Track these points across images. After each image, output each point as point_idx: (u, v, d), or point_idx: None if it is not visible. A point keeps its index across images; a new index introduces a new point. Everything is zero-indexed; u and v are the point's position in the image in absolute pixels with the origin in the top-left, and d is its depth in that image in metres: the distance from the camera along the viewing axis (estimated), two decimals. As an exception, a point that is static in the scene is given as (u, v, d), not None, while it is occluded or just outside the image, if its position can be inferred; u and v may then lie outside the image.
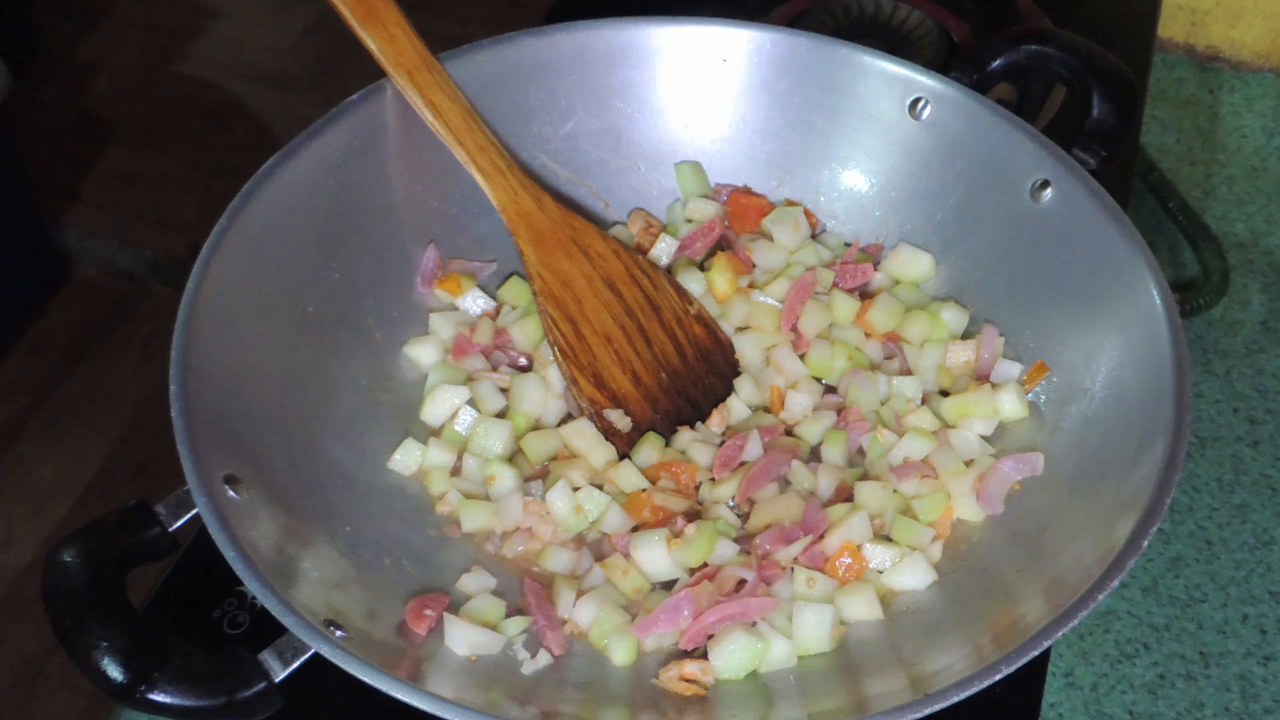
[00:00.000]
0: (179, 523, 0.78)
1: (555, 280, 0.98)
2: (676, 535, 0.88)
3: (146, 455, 2.40)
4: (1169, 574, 1.04)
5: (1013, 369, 0.97)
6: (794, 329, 1.00)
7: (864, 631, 0.85)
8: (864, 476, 0.93)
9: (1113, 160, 0.98)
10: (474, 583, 0.87)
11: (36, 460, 2.40)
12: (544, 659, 0.83)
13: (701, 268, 1.05)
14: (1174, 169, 1.37)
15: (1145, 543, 0.75)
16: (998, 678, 0.71)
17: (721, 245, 1.07)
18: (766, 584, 0.87)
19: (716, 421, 0.97)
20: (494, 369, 1.00)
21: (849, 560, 0.87)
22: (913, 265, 1.03)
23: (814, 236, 1.08)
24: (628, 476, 0.92)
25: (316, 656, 0.72)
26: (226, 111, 2.98)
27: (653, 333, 0.99)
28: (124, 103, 3.01)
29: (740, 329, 1.02)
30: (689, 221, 1.08)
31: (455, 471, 0.95)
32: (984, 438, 0.95)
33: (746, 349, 1.01)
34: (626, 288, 1.00)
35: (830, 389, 0.99)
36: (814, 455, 0.96)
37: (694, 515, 0.91)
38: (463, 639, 0.82)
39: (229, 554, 0.73)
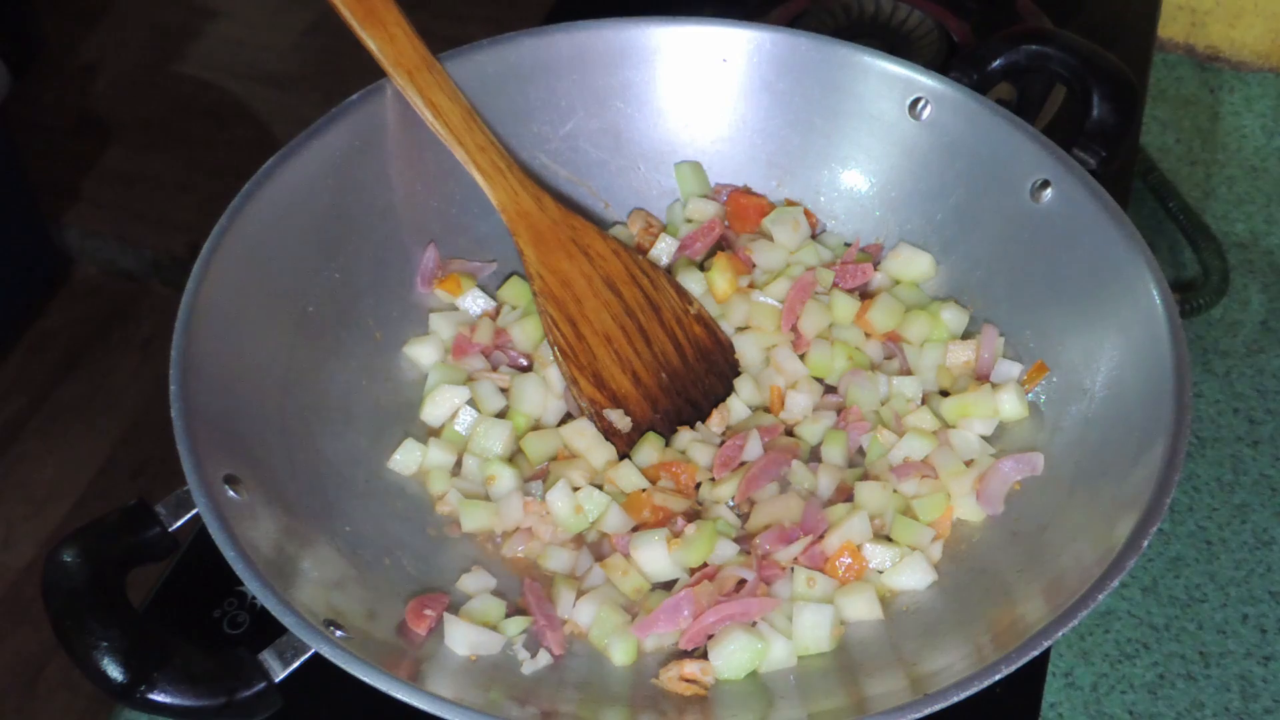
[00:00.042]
0: (179, 523, 0.78)
1: (555, 280, 0.98)
2: (676, 535, 0.88)
3: (146, 455, 2.40)
4: (1169, 574, 1.04)
5: (1013, 369, 0.97)
6: (794, 329, 1.00)
7: (864, 631, 0.85)
8: (864, 476, 0.93)
9: (1113, 160, 0.98)
10: (474, 583, 0.87)
11: (36, 460, 2.40)
12: (544, 659, 0.83)
13: (701, 268, 1.05)
14: (1174, 169, 1.37)
15: (1145, 543, 0.75)
16: (998, 678, 0.71)
17: (721, 245, 1.07)
18: (766, 584, 0.87)
19: (716, 421, 0.97)
20: (494, 369, 1.00)
21: (849, 560, 0.87)
22: (913, 265, 1.03)
23: (814, 236, 1.08)
24: (628, 476, 0.92)
25: (316, 656, 0.72)
26: (226, 111, 2.98)
27: (653, 333, 0.99)
28: (124, 103, 3.01)
29: (740, 329, 1.02)
30: (689, 221, 1.08)
31: (455, 471, 0.95)
32: (984, 438, 0.95)
33: (746, 349, 1.01)
34: (626, 288, 1.00)
35: (830, 389, 0.99)
36: (814, 455, 0.96)
37: (694, 515, 0.91)
38: (463, 639, 0.82)
39: (229, 554, 0.73)
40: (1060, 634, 0.72)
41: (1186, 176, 1.36)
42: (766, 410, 0.98)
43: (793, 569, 0.87)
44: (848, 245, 1.07)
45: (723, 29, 1.05)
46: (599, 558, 0.90)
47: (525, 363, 1.01)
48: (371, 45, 0.97)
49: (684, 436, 0.96)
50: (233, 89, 3.02)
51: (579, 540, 0.91)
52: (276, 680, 0.72)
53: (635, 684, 0.83)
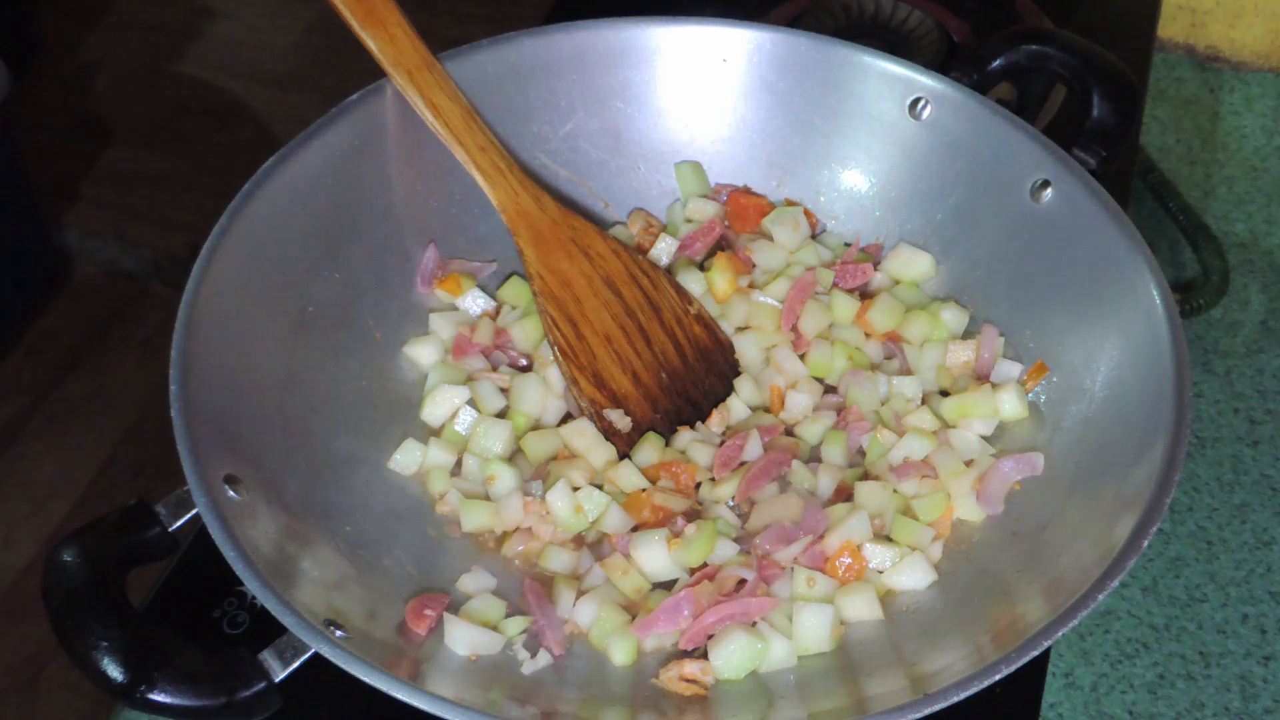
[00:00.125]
0: (179, 523, 0.78)
1: (555, 280, 0.98)
2: (676, 535, 0.88)
3: (146, 455, 2.40)
4: (1169, 574, 1.04)
5: (1013, 369, 0.97)
6: (794, 329, 1.00)
7: (864, 631, 0.85)
8: (864, 476, 0.93)
9: (1113, 160, 0.98)
10: (474, 583, 0.87)
11: (36, 460, 2.40)
12: (544, 659, 0.83)
13: (701, 268, 1.05)
14: (1174, 169, 1.37)
15: (1145, 543, 0.75)
16: (998, 678, 0.71)
17: (721, 245, 1.07)
18: (766, 584, 0.87)
19: (716, 421, 0.97)
20: (494, 369, 1.00)
21: (849, 560, 0.87)
22: (913, 265, 1.03)
23: (814, 236, 1.08)
24: (628, 476, 0.92)
25: (316, 656, 0.72)
26: (226, 111, 2.98)
27: (653, 333, 0.99)
28: (124, 103, 3.01)
29: (740, 329, 1.02)
30: (689, 221, 1.08)
31: (455, 471, 0.95)
32: (984, 438, 0.95)
33: (746, 349, 1.01)
34: (626, 288, 1.00)
35: (830, 389, 0.99)
36: (814, 455, 0.96)
37: (694, 515, 0.91)
38: (463, 639, 0.82)
39: (229, 554, 0.73)
40: (1060, 634, 0.72)
41: (1186, 176, 1.36)
42: (766, 410, 0.98)
43: (793, 569, 0.87)
44: (848, 245, 1.07)
45: (723, 29, 1.05)
46: (599, 558, 0.90)
47: (525, 363, 1.01)
48: (371, 45, 0.97)
49: (684, 436, 0.96)
50: (233, 89, 3.02)
51: (579, 540, 0.91)
52: (276, 680, 0.72)
53: (635, 684, 0.83)
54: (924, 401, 0.97)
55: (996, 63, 1.04)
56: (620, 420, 0.95)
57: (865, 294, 1.03)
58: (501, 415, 0.97)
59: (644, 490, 0.92)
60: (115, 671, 0.70)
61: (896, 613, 0.86)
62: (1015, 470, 0.90)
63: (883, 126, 1.04)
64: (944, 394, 0.98)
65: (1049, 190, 0.95)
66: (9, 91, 2.31)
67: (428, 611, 0.83)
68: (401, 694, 0.70)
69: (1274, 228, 1.32)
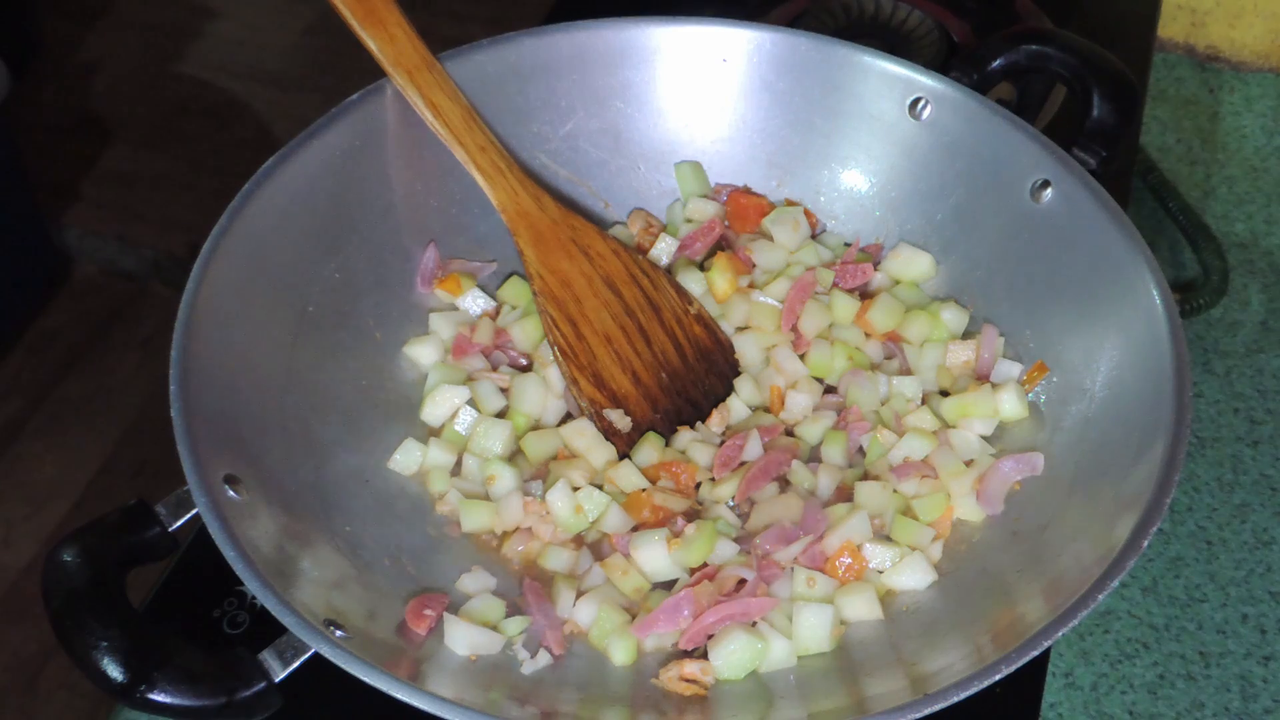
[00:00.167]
0: (179, 523, 0.78)
1: (555, 280, 0.98)
2: (676, 535, 0.88)
3: (146, 455, 2.40)
4: (1169, 574, 1.04)
5: (1013, 369, 0.97)
6: (794, 329, 1.00)
7: (864, 631, 0.85)
8: (864, 476, 0.93)
9: (1113, 160, 0.98)
10: (474, 583, 0.87)
11: (36, 460, 2.40)
12: (544, 659, 0.83)
13: (701, 268, 1.05)
14: (1174, 169, 1.37)
15: (1145, 543, 0.75)
16: (998, 678, 0.71)
17: (721, 245, 1.07)
18: (766, 584, 0.87)
19: (716, 421, 0.97)
20: (494, 369, 1.00)
21: (849, 560, 0.87)
22: (913, 265, 1.03)
23: (814, 236, 1.08)
24: (628, 476, 0.92)
25: (316, 656, 0.72)
26: (226, 111, 2.98)
27: (653, 333, 0.99)
28: (124, 103, 3.01)
29: (740, 329, 1.02)
30: (689, 221, 1.08)
31: (455, 471, 0.95)
32: (984, 438, 0.95)
33: (746, 349, 1.01)
34: (626, 288, 1.00)
35: (830, 389, 0.99)
36: (814, 455, 0.96)
37: (694, 515, 0.91)
38: (463, 639, 0.82)
39: (229, 554, 0.73)
40: (1060, 634, 0.72)
41: (1186, 176, 1.36)
42: (766, 410, 0.98)
43: (793, 569, 0.87)
44: (848, 245, 1.07)
45: (723, 29, 1.05)
46: (599, 558, 0.90)
47: (525, 363, 1.01)
48: (371, 45, 0.97)
49: (684, 436, 0.96)
50: (233, 89, 3.02)
51: (579, 540, 0.91)
52: (276, 680, 0.72)
53: (635, 684, 0.83)
54: (924, 401, 0.97)
55: (996, 63, 1.04)
56: (620, 420, 0.95)
57: (865, 294, 1.03)
58: (501, 415, 0.97)
59: (644, 490, 0.92)
60: (115, 671, 0.70)
61: (896, 613, 0.86)
62: (1015, 470, 0.90)
63: (883, 126, 1.04)
64: (944, 394, 0.98)
65: (1049, 190, 0.95)
66: (9, 91, 2.31)
67: (428, 611, 0.83)
68: (401, 694, 0.70)
69: (1274, 228, 1.32)
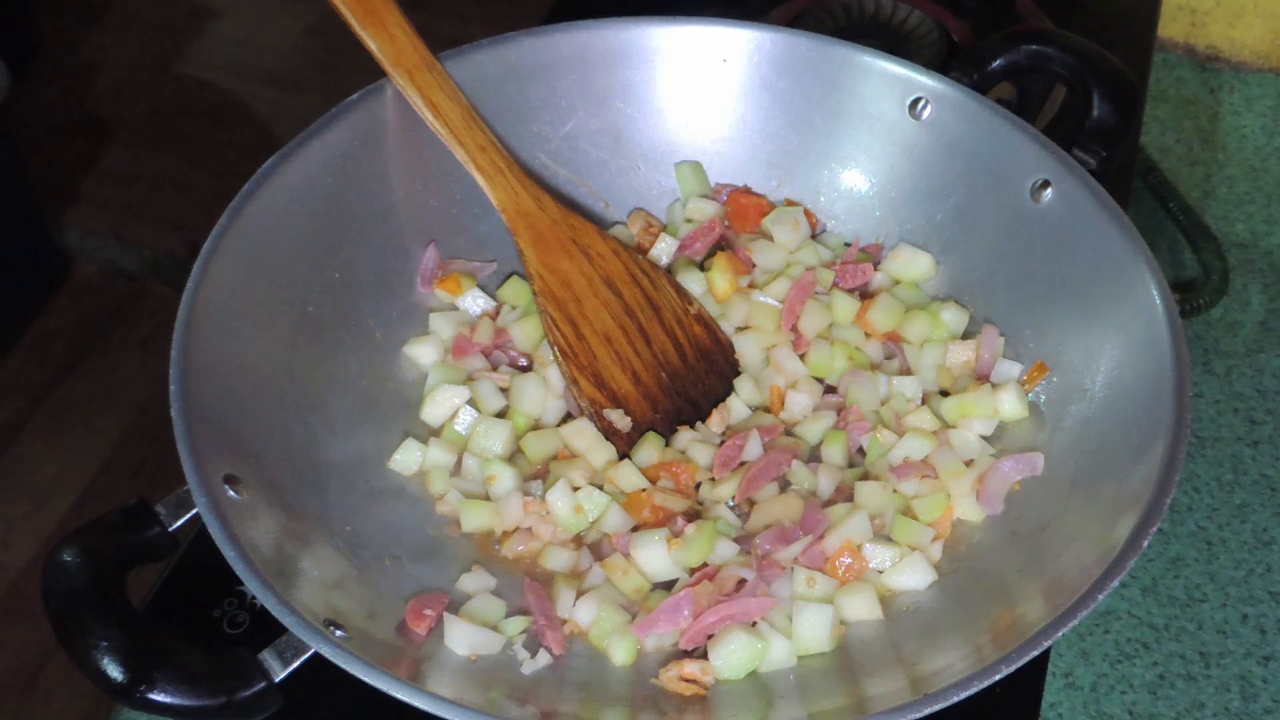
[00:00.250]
0: (179, 523, 0.78)
1: (555, 280, 0.98)
2: (676, 535, 0.88)
3: (146, 455, 2.40)
4: (1169, 574, 1.04)
5: (1013, 369, 0.97)
6: (794, 329, 1.00)
7: (864, 631, 0.85)
8: (864, 476, 0.93)
9: (1113, 160, 0.98)
10: (474, 583, 0.87)
11: (36, 460, 2.40)
12: (544, 659, 0.83)
13: (701, 268, 1.05)
14: (1174, 169, 1.37)
15: (1145, 543, 0.75)
16: (998, 678, 0.71)
17: (721, 245, 1.07)
18: (766, 584, 0.87)
19: (716, 421, 0.97)
20: (494, 369, 1.00)
21: (849, 560, 0.87)
22: (913, 265, 1.03)
23: (814, 236, 1.08)
24: (628, 476, 0.92)
25: (316, 656, 0.72)
26: (226, 111, 2.98)
27: (653, 333, 0.99)
28: (124, 103, 3.01)
29: (740, 329, 1.02)
30: (689, 221, 1.08)
31: (455, 471, 0.95)
32: (984, 438, 0.95)
33: (746, 349, 1.01)
34: (626, 288, 1.00)
35: (830, 389, 0.99)
36: (814, 455, 0.96)
37: (694, 515, 0.91)
38: (463, 639, 0.82)
39: (229, 554, 0.73)
40: (1060, 634, 0.72)
41: (1186, 176, 1.36)
42: (766, 410, 0.98)
43: (793, 569, 0.87)
44: (848, 245, 1.07)
45: (723, 29, 1.05)
46: (599, 558, 0.90)
47: (525, 363, 1.01)
48: (371, 45, 0.97)
49: (684, 436, 0.96)
50: (233, 89, 3.02)
51: (579, 540, 0.91)
52: (276, 680, 0.72)
53: (635, 684, 0.83)
54: (924, 401, 0.97)
55: (996, 63, 1.04)
56: (620, 420, 0.95)
57: (865, 294, 1.03)
58: (501, 415, 0.97)
59: (644, 490, 0.92)
60: (115, 671, 0.70)
61: (896, 613, 0.86)
62: (1015, 470, 0.90)
63: (883, 126, 1.04)
64: (944, 394, 0.98)
65: (1049, 190, 0.95)
66: (9, 91, 2.31)
67: (428, 611, 0.83)
68: (401, 694, 0.70)
69: (1274, 228, 1.32)
